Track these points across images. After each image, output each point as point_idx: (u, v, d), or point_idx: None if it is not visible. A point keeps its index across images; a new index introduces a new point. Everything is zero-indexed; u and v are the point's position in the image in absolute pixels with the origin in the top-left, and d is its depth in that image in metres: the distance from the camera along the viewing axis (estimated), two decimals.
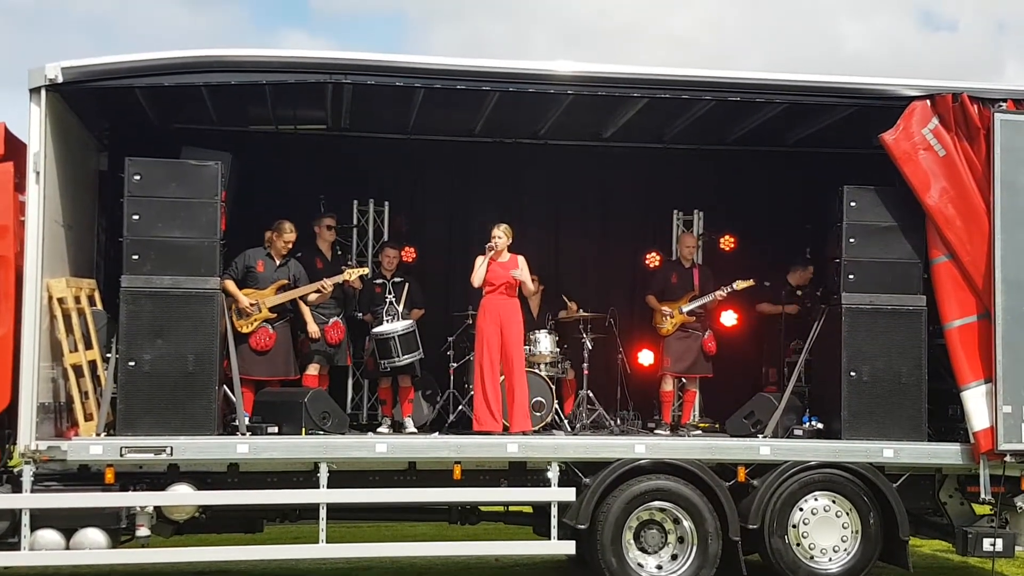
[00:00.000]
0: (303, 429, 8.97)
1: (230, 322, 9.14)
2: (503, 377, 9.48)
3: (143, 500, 8.38)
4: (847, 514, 9.02)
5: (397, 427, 10.11)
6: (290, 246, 9.80)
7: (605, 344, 10.99)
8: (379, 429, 10.06)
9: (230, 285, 9.33)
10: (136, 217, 8.56)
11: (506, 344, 9.52)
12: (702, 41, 40.83)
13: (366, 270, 10.46)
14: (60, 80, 8.27)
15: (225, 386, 9.04)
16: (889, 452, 8.99)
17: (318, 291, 9.82)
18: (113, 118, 10.11)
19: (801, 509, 8.97)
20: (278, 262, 9.78)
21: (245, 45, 12.36)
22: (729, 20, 41.91)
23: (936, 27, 47.15)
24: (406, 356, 9.92)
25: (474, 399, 9.60)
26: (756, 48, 40.70)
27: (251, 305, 9.46)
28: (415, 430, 10.02)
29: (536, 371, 10.28)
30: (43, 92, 8.28)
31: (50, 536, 8.17)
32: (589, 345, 10.62)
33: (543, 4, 42.31)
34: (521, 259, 9.73)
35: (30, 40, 43.22)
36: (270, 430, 8.99)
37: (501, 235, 9.62)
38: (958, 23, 46.64)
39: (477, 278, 9.59)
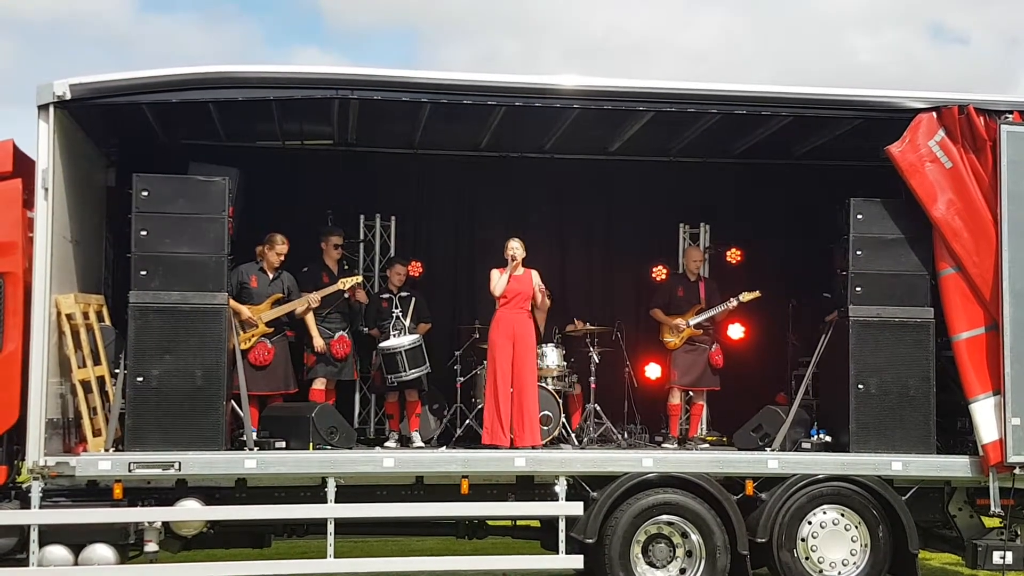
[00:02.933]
0: (311, 444, 8.99)
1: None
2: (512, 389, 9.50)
3: (151, 515, 8.40)
4: (856, 527, 9.00)
5: (404, 441, 10.10)
6: (282, 258, 9.81)
7: (612, 357, 10.98)
8: (386, 444, 10.05)
9: (230, 300, 9.32)
10: (144, 233, 8.59)
11: (517, 357, 9.53)
12: (714, 56, 40.94)
13: (359, 278, 10.45)
14: (68, 97, 8.32)
15: (232, 401, 9.05)
16: (898, 465, 8.98)
17: (306, 305, 9.81)
18: (121, 134, 10.15)
19: (810, 523, 8.95)
20: (271, 276, 9.80)
21: (253, 61, 12.36)
22: (741, 35, 42.02)
23: (948, 40, 47.20)
24: (413, 371, 9.92)
25: (484, 411, 9.61)
26: (767, 62, 40.80)
27: (250, 317, 9.48)
28: (422, 444, 10.02)
29: (543, 385, 10.26)
30: (51, 109, 8.32)
31: (59, 552, 8.19)
32: (596, 359, 10.62)
33: (555, 21, 42.50)
34: (535, 273, 9.76)
35: (45, 58, 43.49)
36: (277, 445, 9.01)
37: (518, 247, 9.65)
38: (970, 37, 46.70)
39: (499, 287, 9.60)
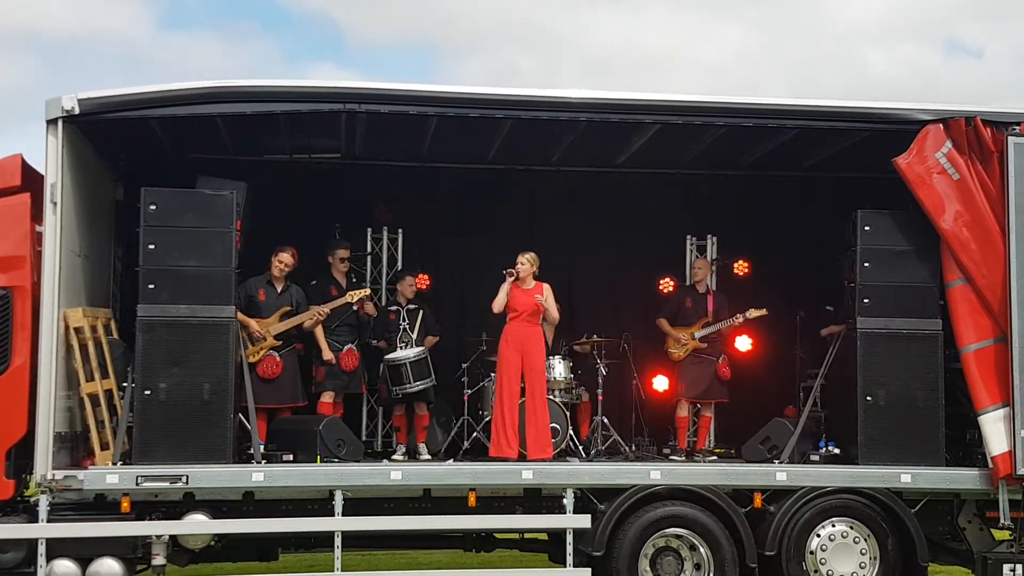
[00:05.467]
0: (318, 457, 8.98)
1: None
2: (522, 400, 9.49)
3: (159, 529, 8.41)
4: (865, 540, 8.96)
5: (412, 454, 10.10)
6: (283, 267, 9.79)
7: (619, 369, 10.97)
8: (393, 456, 10.05)
9: (238, 314, 9.33)
10: (152, 246, 8.62)
11: (527, 371, 9.54)
12: (729, 70, 41.00)
13: (367, 291, 10.47)
14: (77, 111, 8.36)
15: (240, 414, 9.05)
16: (907, 477, 8.95)
17: (315, 318, 9.83)
18: (129, 148, 10.18)
19: (818, 535, 8.92)
20: (279, 289, 9.82)
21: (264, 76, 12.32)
22: (757, 49, 42.09)
23: (962, 54, 47.18)
24: (418, 383, 9.93)
25: (492, 424, 9.60)
26: (783, 76, 40.89)
27: (258, 331, 9.50)
28: (429, 457, 10.01)
29: (551, 397, 10.25)
30: (60, 123, 8.36)
31: (66, 566, 8.20)
32: (604, 371, 10.60)
33: (572, 35, 42.63)
34: (546, 287, 9.76)
35: (63, 75, 43.79)
36: (285, 458, 9.01)
37: (525, 262, 9.66)
38: (984, 51, 46.67)
39: (497, 304, 9.62)
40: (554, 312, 9.84)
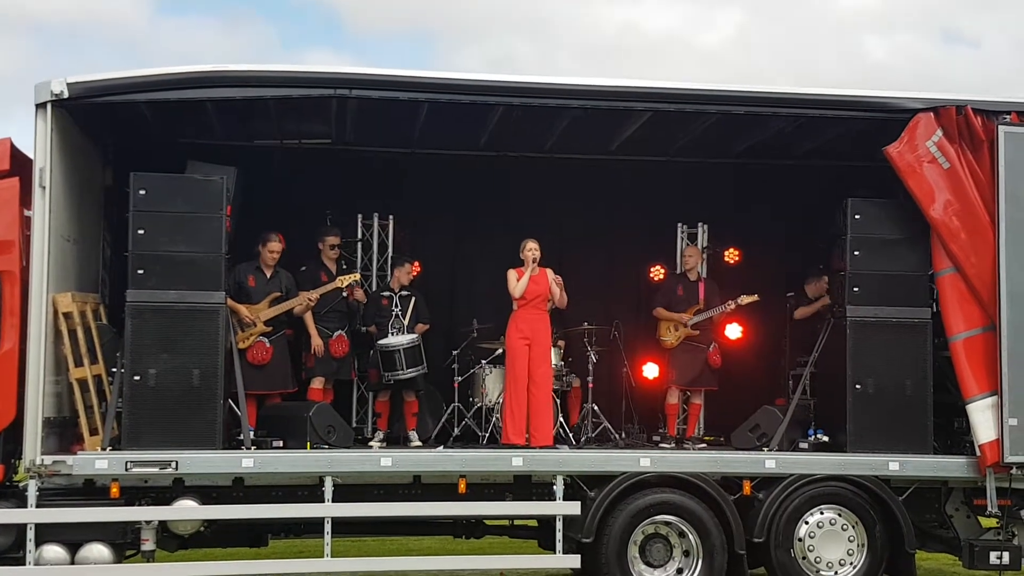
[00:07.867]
0: (308, 443, 8.98)
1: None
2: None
3: (148, 514, 8.41)
4: (853, 527, 9.00)
5: (393, 441, 10.08)
6: (275, 255, 9.79)
7: (610, 357, 10.98)
8: (370, 442, 10.05)
9: (228, 300, 9.31)
10: (141, 232, 8.59)
11: (533, 358, 9.55)
12: (728, 57, 40.96)
13: (356, 276, 10.45)
14: (66, 95, 8.31)
15: (230, 400, 9.04)
16: (895, 465, 8.98)
17: (305, 303, 9.82)
18: (119, 133, 10.12)
19: (807, 522, 8.96)
20: (268, 275, 9.80)
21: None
22: (756, 36, 42.05)
23: (960, 43, 47.18)
24: (410, 370, 9.93)
25: (503, 412, 9.63)
26: (781, 63, 40.88)
27: (248, 317, 9.48)
28: (420, 443, 10.01)
29: None
30: (49, 107, 8.32)
31: (55, 551, 8.20)
32: (594, 358, 10.61)
33: (570, 22, 42.55)
34: (549, 271, 9.77)
35: (60, 59, 43.51)
36: (275, 444, 9.00)
37: (536, 248, 9.69)
38: (981, 40, 46.68)
39: (519, 289, 9.62)
40: (564, 296, 9.85)
